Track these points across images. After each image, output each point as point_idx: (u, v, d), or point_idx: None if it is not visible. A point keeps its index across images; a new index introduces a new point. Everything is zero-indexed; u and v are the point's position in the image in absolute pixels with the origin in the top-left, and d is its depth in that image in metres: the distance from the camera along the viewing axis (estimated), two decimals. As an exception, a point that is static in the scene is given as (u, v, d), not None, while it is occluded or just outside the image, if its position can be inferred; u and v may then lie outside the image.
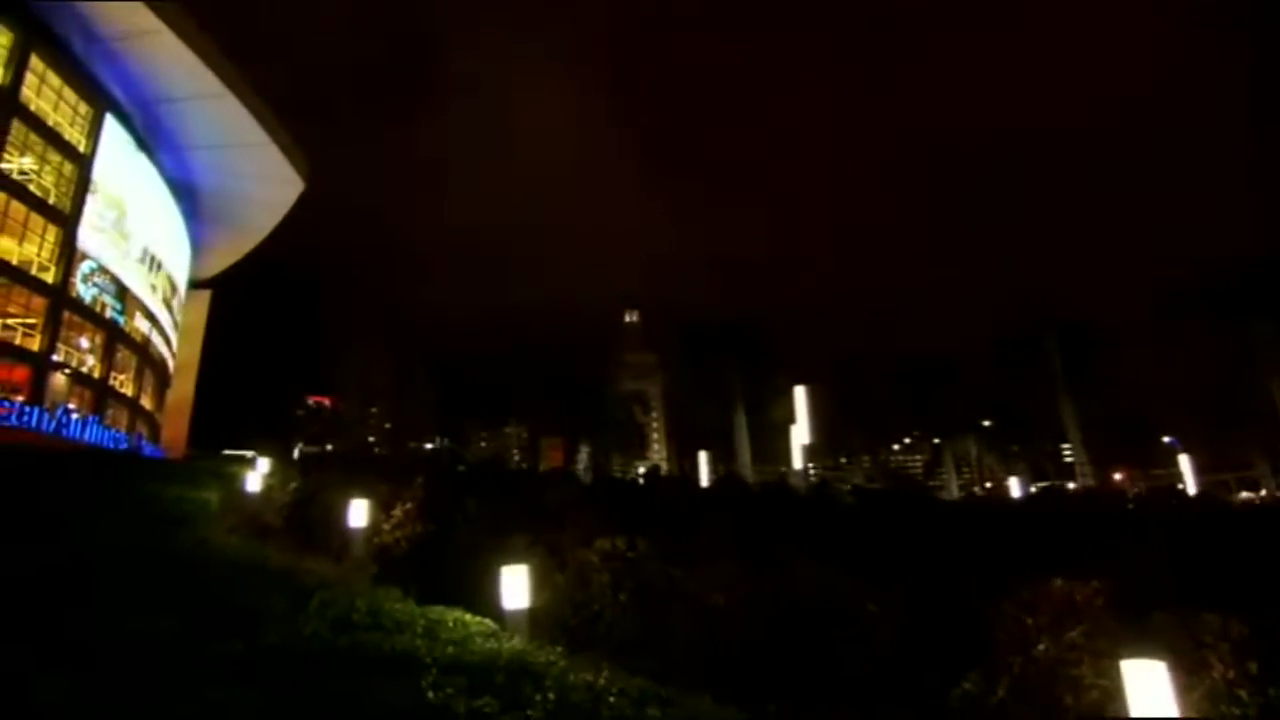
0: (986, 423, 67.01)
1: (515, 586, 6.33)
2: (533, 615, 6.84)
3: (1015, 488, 39.30)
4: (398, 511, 10.22)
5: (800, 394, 27.26)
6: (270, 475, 16.50)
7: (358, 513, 9.67)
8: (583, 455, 64.88)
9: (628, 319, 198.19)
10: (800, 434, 27.49)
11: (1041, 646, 5.44)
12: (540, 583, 6.87)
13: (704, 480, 36.74)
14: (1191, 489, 42.58)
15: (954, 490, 44.72)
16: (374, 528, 10.10)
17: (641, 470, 41.21)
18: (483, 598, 7.47)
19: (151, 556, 7.74)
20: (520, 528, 8.98)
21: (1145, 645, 4.65)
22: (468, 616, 6.15)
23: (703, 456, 36.63)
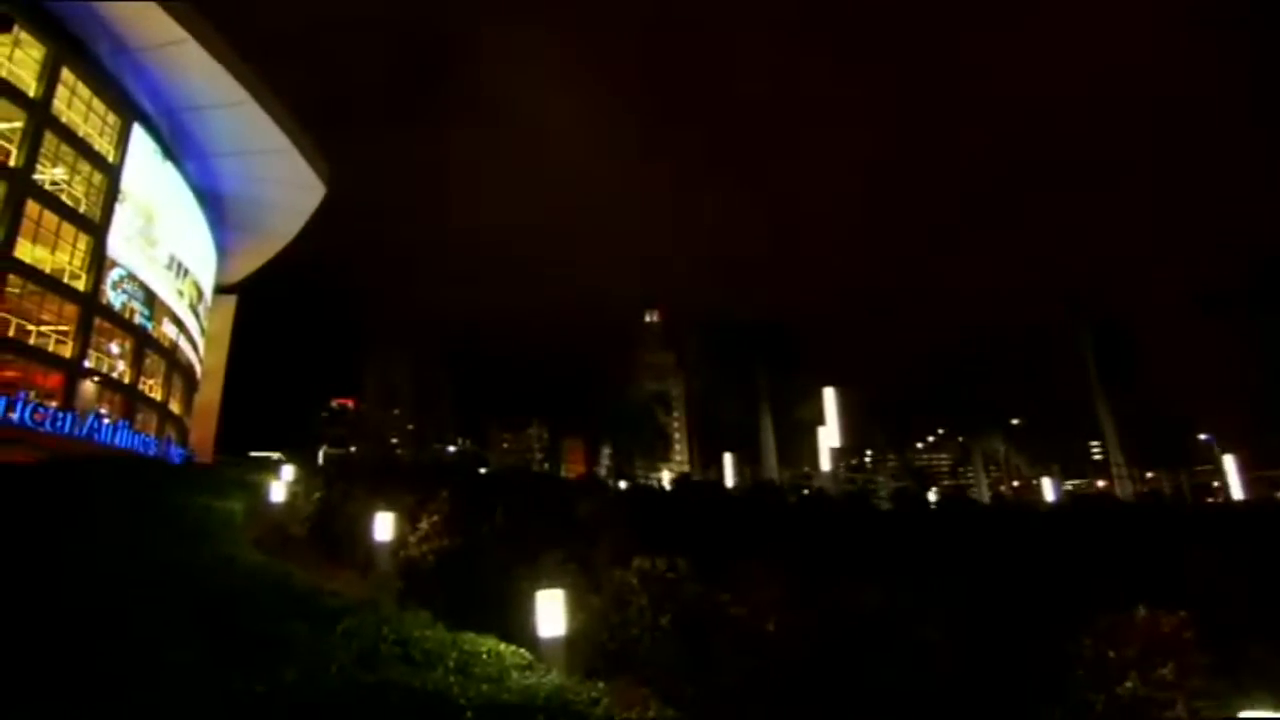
0: (1015, 420, 65.40)
1: (551, 613, 5.99)
2: (568, 639, 6.48)
3: (1049, 489, 38.07)
4: (424, 524, 9.94)
5: (830, 396, 26.70)
6: (294, 483, 16.39)
7: (383, 526, 9.40)
8: (605, 456, 64.57)
9: (647, 319, 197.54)
10: (830, 436, 26.91)
11: (1129, 684, 4.92)
12: (575, 604, 6.52)
13: (729, 481, 36.24)
14: (1236, 490, 40.89)
15: (983, 491, 43.52)
16: (400, 540, 9.82)
17: (666, 475, 40.84)
18: (514, 620, 7.13)
19: (177, 574, 7.52)
20: (551, 543, 8.62)
21: (1258, 694, 4.15)
22: (502, 646, 5.81)
23: (728, 459, 36.03)
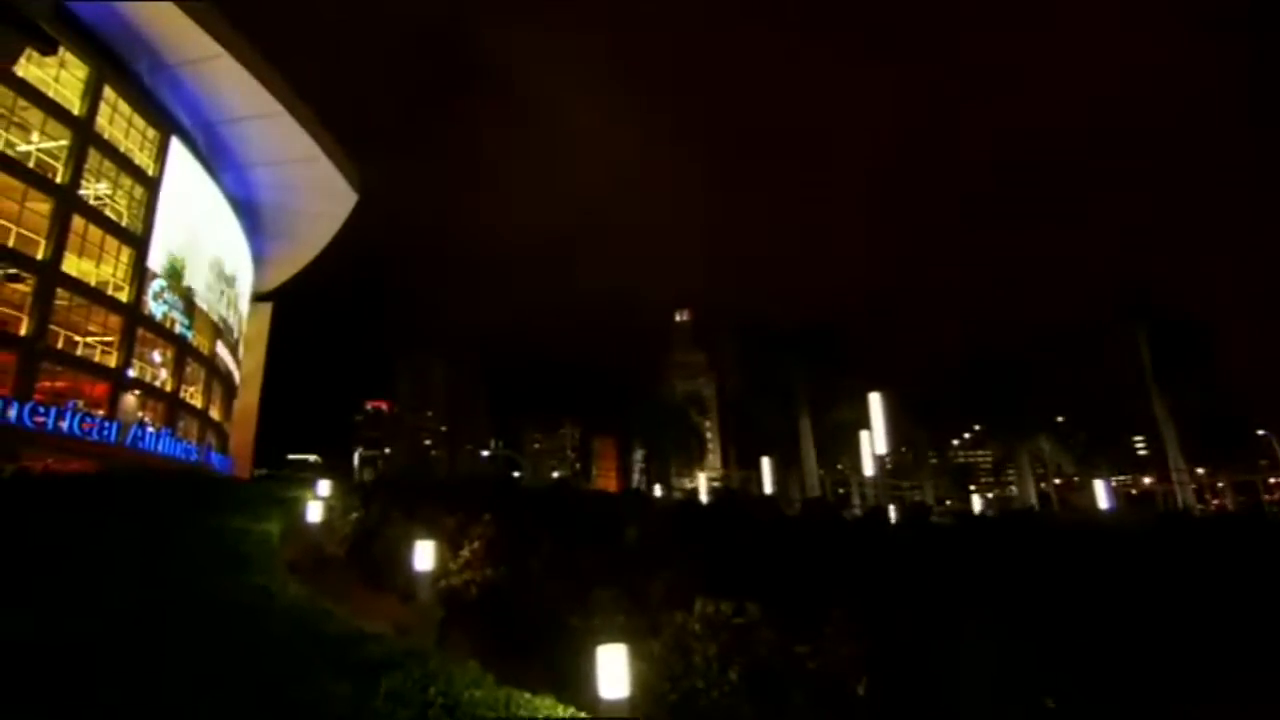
0: (1060, 418, 62.97)
1: (613, 671, 5.42)
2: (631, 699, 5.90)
3: (1102, 493, 36.06)
4: (465, 551, 9.45)
5: (875, 401, 25.66)
6: (330, 499, 16.15)
7: (423, 555, 8.92)
8: (638, 459, 64.07)
9: (678, 318, 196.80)
10: (876, 442, 25.93)
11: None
12: (633, 652, 5.93)
13: (767, 485, 35.39)
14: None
15: (1030, 494, 41.74)
16: (440, 568, 9.33)
17: (702, 479, 40.16)
18: (566, 664, 6.60)
19: (210, 613, 7.15)
20: (600, 574, 8.04)
21: None
22: (560, 710, 5.27)
23: (765, 464, 35.13)
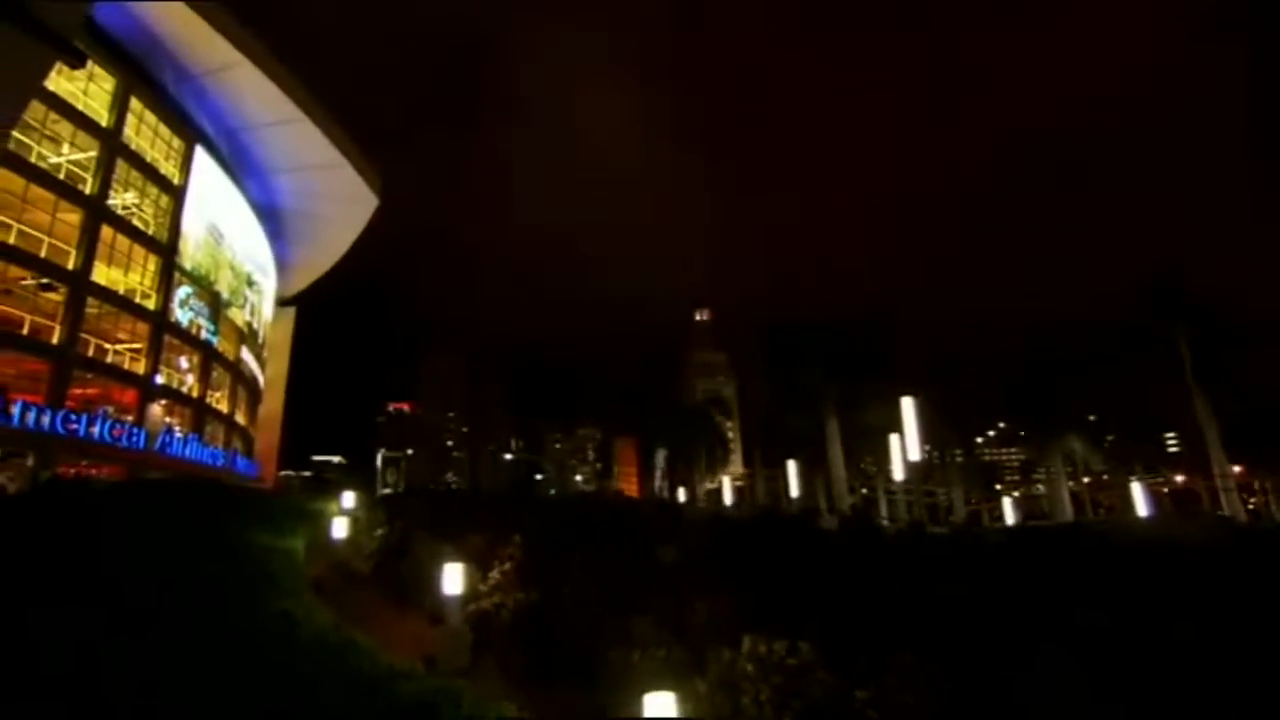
0: (1091, 416, 61.25)
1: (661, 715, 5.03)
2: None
3: (1140, 498, 34.64)
4: (495, 573, 9.12)
5: (908, 405, 24.76)
6: (355, 511, 15.97)
7: (452, 579, 8.60)
8: (660, 461, 63.69)
9: (697, 317, 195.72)
10: (909, 448, 25.06)
11: None
12: (680, 693, 5.53)
13: (793, 490, 34.72)
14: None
15: (1064, 495, 40.42)
16: (470, 589, 9.01)
17: (727, 482, 39.61)
18: (609, 704, 6.22)
19: (231, 644, 6.88)
20: (637, 600, 7.64)
21: None
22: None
23: (792, 467, 34.43)
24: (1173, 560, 8.40)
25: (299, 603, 8.50)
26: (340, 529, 12.29)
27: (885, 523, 32.49)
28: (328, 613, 8.43)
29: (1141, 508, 33.55)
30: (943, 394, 38.88)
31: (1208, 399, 37.74)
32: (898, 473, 27.81)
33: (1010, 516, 44.40)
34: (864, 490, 50.20)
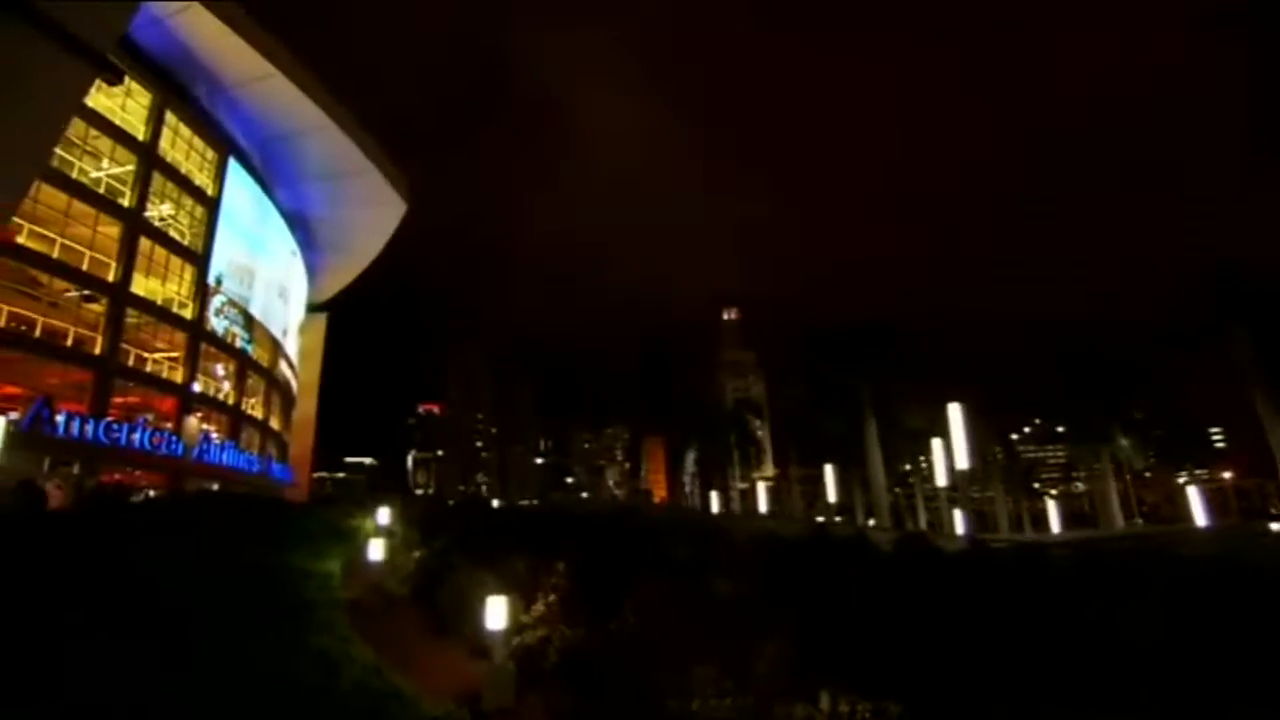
0: (1138, 414, 58.89)
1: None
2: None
3: (1197, 503, 32.71)
4: (539, 605, 8.67)
5: (954, 412, 23.67)
6: (391, 527, 15.72)
7: (495, 613, 8.16)
8: (690, 463, 63.04)
9: (726, 316, 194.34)
10: (958, 455, 23.93)
11: None
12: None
13: (830, 494, 33.82)
14: None
15: (1113, 501, 38.58)
16: (513, 620, 8.57)
17: (762, 486, 38.82)
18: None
19: (269, 690, 6.55)
20: (693, 640, 7.12)
21: None
22: None
23: (829, 471, 33.49)
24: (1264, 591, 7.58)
25: (337, 639, 8.16)
26: (377, 551, 12.00)
27: (925, 529, 31.48)
28: (367, 650, 8.08)
29: (1199, 515, 31.78)
30: (982, 393, 37.62)
31: (1269, 396, 35.91)
32: (941, 478, 26.79)
33: (1055, 520, 42.82)
34: (898, 490, 48.81)
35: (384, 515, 15.41)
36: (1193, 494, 34.99)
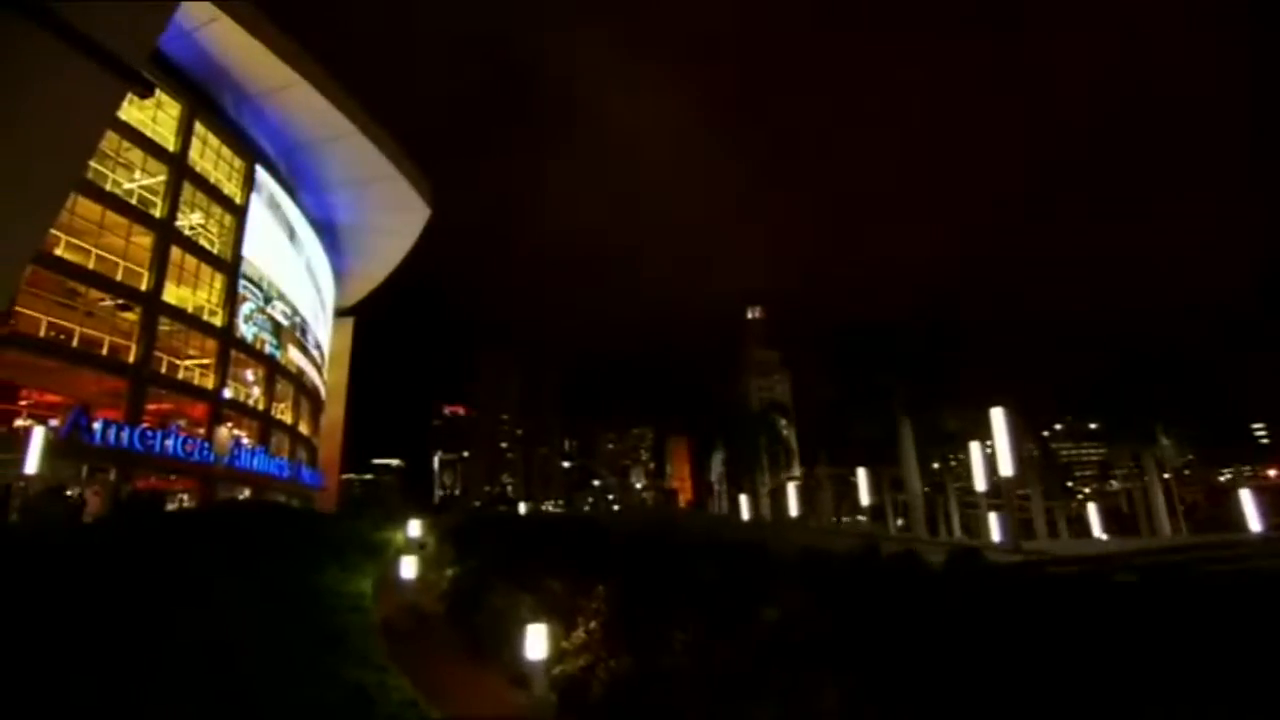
0: (1183, 413, 56.67)
1: None
2: None
3: (1251, 508, 30.69)
4: (580, 631, 8.28)
5: (998, 416, 22.51)
6: (422, 539, 15.49)
7: (536, 642, 7.80)
8: (716, 463, 62.48)
9: (750, 315, 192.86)
10: (1002, 462, 22.77)
11: None
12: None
13: (864, 497, 32.99)
14: None
15: (1159, 506, 36.78)
16: (554, 646, 8.20)
17: (792, 491, 38.07)
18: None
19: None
20: (747, 676, 6.65)
21: None
22: None
23: (862, 475, 32.70)
24: None
25: (372, 670, 7.86)
26: (409, 569, 11.74)
27: (962, 536, 30.56)
28: (403, 680, 7.76)
29: (1254, 522, 29.85)
30: (1019, 391, 36.51)
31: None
32: (979, 482, 25.92)
33: (1095, 524, 41.41)
34: (926, 489, 47.41)
35: (414, 528, 15.21)
36: (1245, 497, 32.90)
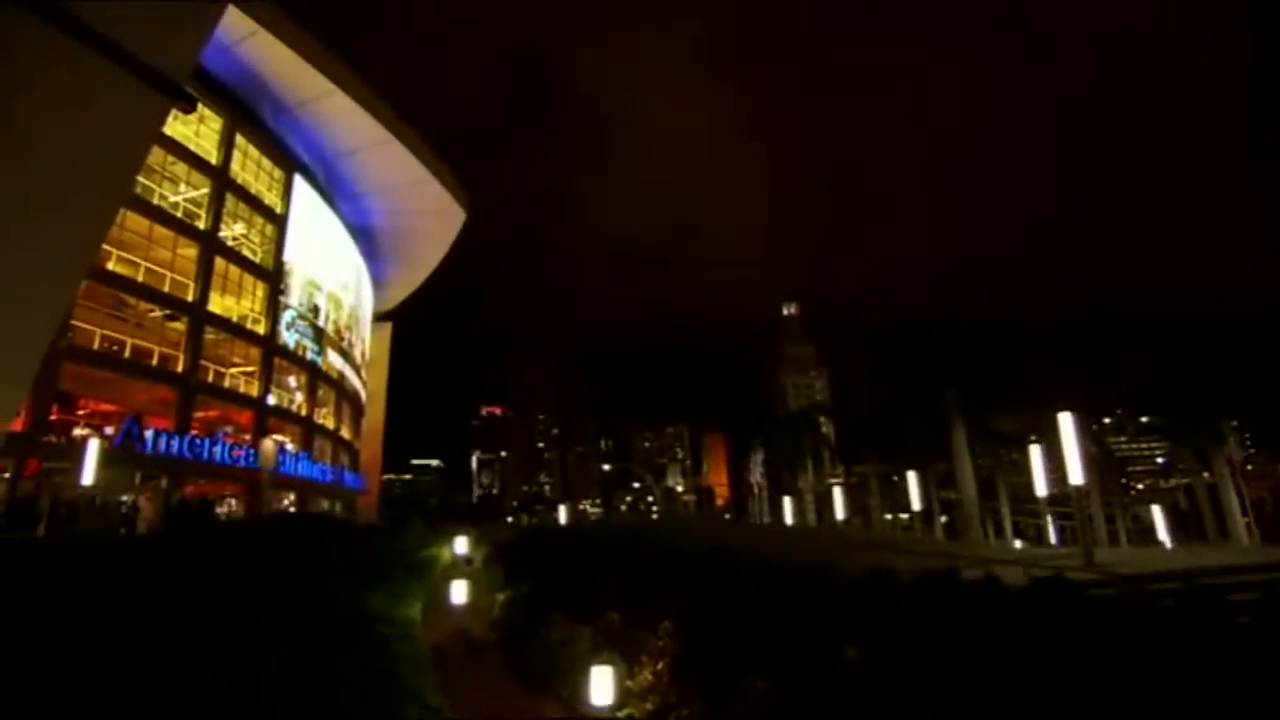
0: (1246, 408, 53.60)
1: None
2: None
3: None
4: (645, 672, 7.69)
5: (1066, 422, 21.28)
6: (470, 555, 15.13)
7: (601, 686, 7.24)
8: (756, 463, 61.48)
9: (786, 311, 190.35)
10: (1072, 471, 21.47)
11: None
12: None
13: (914, 502, 31.71)
14: None
15: (1236, 514, 33.92)
16: (618, 687, 7.62)
17: (838, 494, 36.97)
18: None
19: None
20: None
21: None
22: None
23: (912, 479, 31.51)
24: None
25: (428, 710, 7.41)
26: (459, 594, 11.34)
27: (1027, 545, 29.01)
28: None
29: None
30: (1080, 391, 34.64)
31: None
32: (1040, 488, 24.61)
33: (1162, 530, 39.15)
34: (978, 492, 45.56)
35: (461, 545, 14.89)
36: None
